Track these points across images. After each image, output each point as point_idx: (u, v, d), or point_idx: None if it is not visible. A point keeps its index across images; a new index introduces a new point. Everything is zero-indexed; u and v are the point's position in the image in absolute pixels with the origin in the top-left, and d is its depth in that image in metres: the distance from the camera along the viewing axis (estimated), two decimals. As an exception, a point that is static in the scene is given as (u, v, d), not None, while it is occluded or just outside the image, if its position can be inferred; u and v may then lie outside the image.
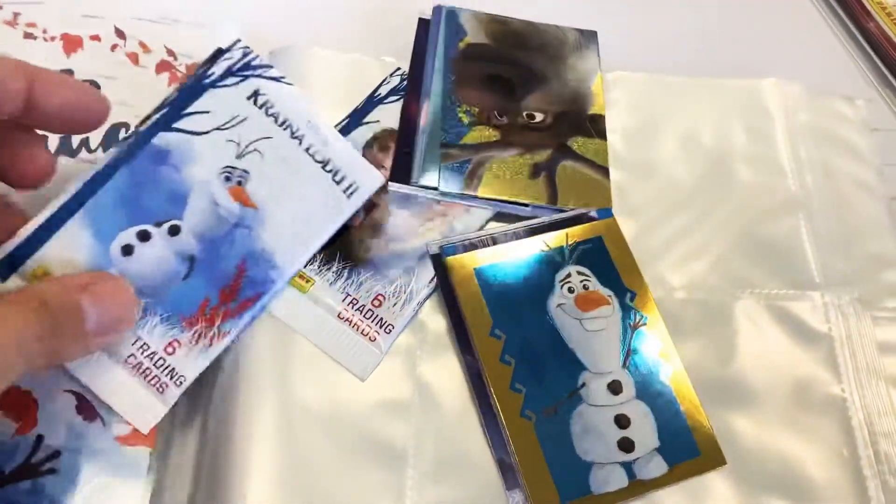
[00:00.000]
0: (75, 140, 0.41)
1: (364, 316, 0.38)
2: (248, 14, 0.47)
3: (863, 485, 0.37)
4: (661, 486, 0.36)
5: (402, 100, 0.46)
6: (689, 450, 0.37)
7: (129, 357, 0.34)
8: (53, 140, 0.41)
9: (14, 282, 0.33)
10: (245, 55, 0.39)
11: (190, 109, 0.37)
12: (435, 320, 0.39)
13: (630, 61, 0.49)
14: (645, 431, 0.37)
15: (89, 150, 0.41)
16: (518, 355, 0.37)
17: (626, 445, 0.36)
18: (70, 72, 0.42)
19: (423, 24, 0.49)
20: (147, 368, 0.35)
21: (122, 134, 0.41)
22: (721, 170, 0.46)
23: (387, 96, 0.46)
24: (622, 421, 0.37)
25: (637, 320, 0.39)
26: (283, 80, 0.39)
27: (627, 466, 0.36)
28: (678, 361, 0.39)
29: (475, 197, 0.42)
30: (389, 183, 0.42)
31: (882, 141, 0.48)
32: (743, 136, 0.47)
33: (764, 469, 0.38)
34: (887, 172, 0.47)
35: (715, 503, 0.37)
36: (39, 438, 0.34)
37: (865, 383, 0.40)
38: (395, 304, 0.39)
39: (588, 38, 0.50)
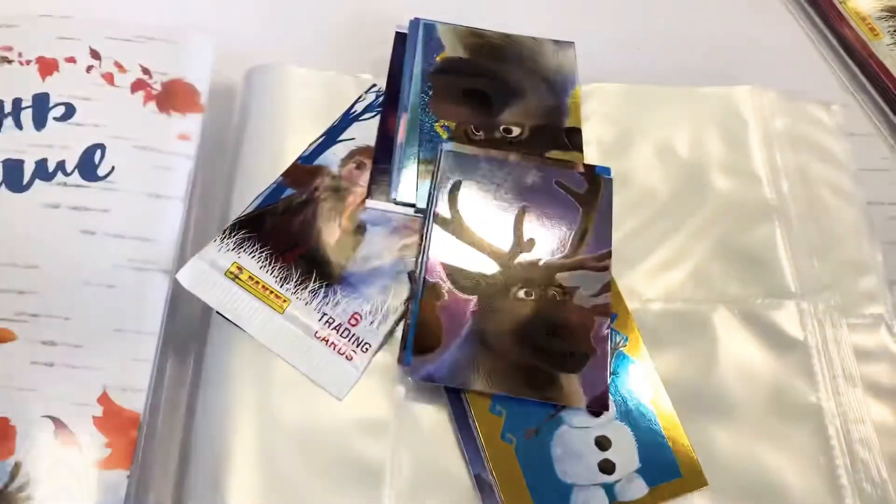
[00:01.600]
0: (51, 164, 0.41)
1: (341, 335, 0.38)
2: (223, 30, 0.47)
3: (839, 493, 0.38)
4: (642, 506, 0.36)
5: (377, 116, 0.46)
6: (670, 471, 0.37)
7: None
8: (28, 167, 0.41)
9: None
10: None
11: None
12: (412, 337, 0.40)
13: (607, 70, 0.49)
14: (626, 453, 0.37)
15: (66, 174, 0.41)
16: (498, 376, 0.38)
17: (607, 467, 0.37)
18: (46, 95, 0.42)
19: (401, 39, 0.49)
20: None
21: (98, 156, 0.41)
22: (697, 179, 0.46)
23: (362, 113, 0.46)
24: (603, 442, 0.37)
25: (617, 342, 0.39)
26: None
27: (608, 488, 0.36)
28: (658, 382, 0.39)
29: (452, 212, 0.43)
30: (367, 200, 0.42)
31: (858, 145, 0.48)
32: (718, 145, 0.47)
33: (741, 480, 0.38)
34: (864, 177, 0.47)
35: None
36: (17, 465, 0.34)
37: (842, 391, 0.40)
38: (371, 322, 0.39)
39: (565, 49, 0.50)
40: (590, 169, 0.43)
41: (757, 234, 0.44)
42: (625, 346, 0.39)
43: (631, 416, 0.38)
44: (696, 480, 0.37)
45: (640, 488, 0.36)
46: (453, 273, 0.40)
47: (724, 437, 0.39)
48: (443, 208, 0.42)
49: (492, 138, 0.45)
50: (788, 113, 0.48)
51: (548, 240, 0.41)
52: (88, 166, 0.41)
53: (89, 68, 0.44)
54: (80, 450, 0.35)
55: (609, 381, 0.38)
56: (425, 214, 0.42)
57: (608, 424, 0.37)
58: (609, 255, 0.41)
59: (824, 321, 0.42)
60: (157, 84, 0.44)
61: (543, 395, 0.37)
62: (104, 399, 0.36)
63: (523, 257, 0.41)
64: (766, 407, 0.39)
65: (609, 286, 0.40)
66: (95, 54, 0.44)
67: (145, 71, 0.44)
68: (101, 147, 0.42)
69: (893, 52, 0.50)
